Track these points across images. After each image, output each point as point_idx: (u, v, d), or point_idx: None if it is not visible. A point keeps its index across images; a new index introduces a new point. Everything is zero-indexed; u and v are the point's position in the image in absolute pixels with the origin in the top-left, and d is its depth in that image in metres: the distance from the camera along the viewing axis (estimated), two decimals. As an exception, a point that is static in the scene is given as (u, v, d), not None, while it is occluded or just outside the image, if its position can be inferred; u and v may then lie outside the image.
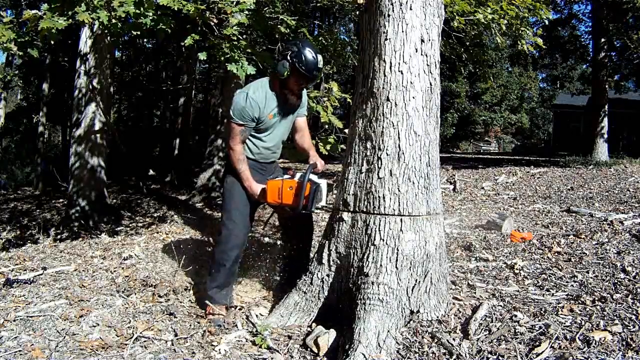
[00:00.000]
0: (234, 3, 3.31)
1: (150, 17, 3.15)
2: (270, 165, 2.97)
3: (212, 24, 3.55)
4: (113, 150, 10.26)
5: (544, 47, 6.19)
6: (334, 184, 2.90)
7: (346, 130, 4.03)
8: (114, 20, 3.06)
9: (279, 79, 2.68)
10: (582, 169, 9.79)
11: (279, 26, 4.56)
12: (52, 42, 3.20)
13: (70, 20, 3.06)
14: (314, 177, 2.72)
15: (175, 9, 3.14)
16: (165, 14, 3.23)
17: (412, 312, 2.40)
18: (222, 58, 3.62)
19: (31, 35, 3.23)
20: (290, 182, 2.67)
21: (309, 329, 2.56)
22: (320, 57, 2.62)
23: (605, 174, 8.42)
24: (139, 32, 3.26)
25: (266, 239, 4.51)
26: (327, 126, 4.18)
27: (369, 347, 2.14)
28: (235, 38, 3.66)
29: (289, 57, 2.59)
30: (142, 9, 3.10)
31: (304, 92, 2.91)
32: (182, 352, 2.37)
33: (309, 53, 2.58)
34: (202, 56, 3.79)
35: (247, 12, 3.36)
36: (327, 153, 4.14)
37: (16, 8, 15.09)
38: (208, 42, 3.72)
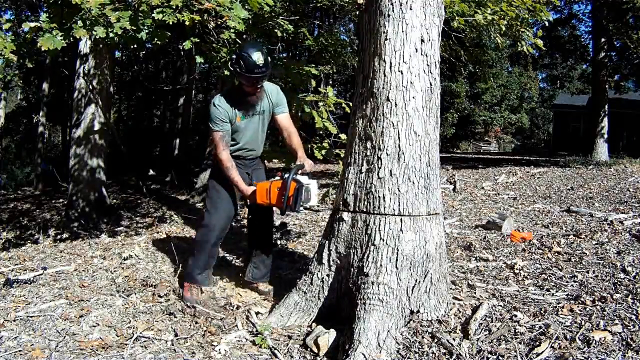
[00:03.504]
0: (232, 11, 3.32)
1: (146, 31, 3.19)
2: (250, 162, 3.11)
3: (211, 27, 3.57)
4: (113, 150, 10.25)
5: (543, 48, 6.19)
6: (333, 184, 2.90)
7: (341, 135, 4.03)
8: (111, 35, 3.09)
9: (236, 86, 2.88)
10: (582, 169, 9.79)
11: (275, 30, 4.58)
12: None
13: (68, 40, 3.12)
14: (302, 178, 2.75)
15: (170, 23, 3.16)
16: (161, 26, 3.25)
17: (412, 312, 2.40)
18: (220, 63, 3.64)
19: (29, 44, 3.28)
20: (277, 183, 2.75)
21: (309, 329, 2.56)
22: (258, 55, 2.66)
23: (605, 174, 8.42)
24: (135, 45, 3.31)
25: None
26: (321, 132, 4.19)
27: (369, 347, 2.14)
28: (232, 42, 3.67)
29: (230, 66, 2.76)
30: (138, 24, 3.14)
31: (276, 91, 3.01)
32: (182, 352, 2.37)
33: (246, 55, 2.66)
34: (200, 59, 3.80)
35: (240, 20, 3.36)
36: (321, 158, 4.15)
37: (17, 9, 15.08)
38: (205, 46, 3.74)
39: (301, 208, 2.70)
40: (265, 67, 2.71)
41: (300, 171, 2.79)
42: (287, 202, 2.67)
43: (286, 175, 2.72)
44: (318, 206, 2.85)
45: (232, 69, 2.75)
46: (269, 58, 2.77)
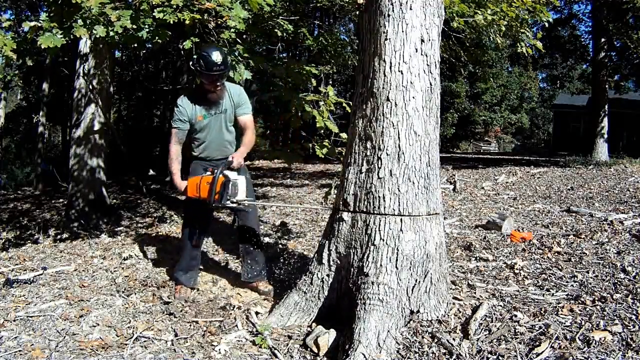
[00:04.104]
0: (232, 11, 3.32)
1: (147, 30, 3.20)
2: (221, 162, 3.11)
3: (211, 27, 3.57)
4: (113, 150, 10.23)
5: (542, 50, 6.19)
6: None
7: (342, 134, 4.03)
8: (111, 34, 3.11)
9: (198, 85, 3.04)
10: (582, 169, 9.79)
11: (275, 30, 4.58)
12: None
13: (68, 38, 3.14)
14: (231, 174, 2.88)
15: (171, 22, 3.18)
16: (162, 25, 3.26)
17: (412, 312, 2.40)
18: None
19: (29, 42, 3.29)
20: (208, 178, 2.89)
21: (309, 329, 2.56)
22: (217, 54, 2.82)
23: (605, 174, 8.42)
24: (136, 44, 3.33)
25: (266, 239, 4.51)
26: (322, 131, 4.19)
27: (369, 347, 2.14)
28: (232, 41, 3.67)
29: (192, 66, 2.92)
30: (138, 23, 3.15)
31: (239, 92, 3.11)
32: (182, 352, 2.37)
33: (205, 55, 2.82)
34: None
35: (241, 19, 3.37)
36: (323, 156, 4.15)
37: (17, 9, 15.06)
38: (205, 46, 3.73)
39: (228, 202, 2.84)
40: (223, 66, 2.86)
41: (228, 166, 2.92)
42: (214, 197, 2.80)
43: (216, 171, 2.85)
44: (245, 202, 2.97)
45: (193, 67, 2.90)
46: (228, 59, 2.94)
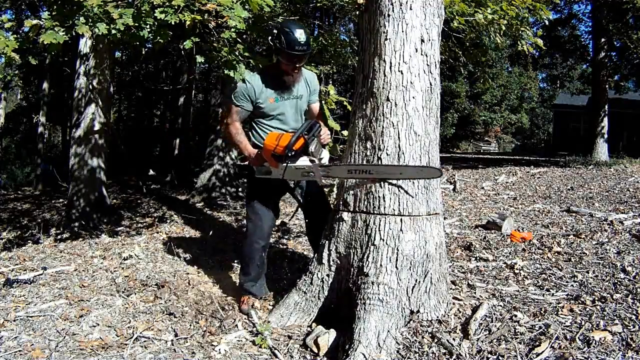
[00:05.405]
0: (232, 11, 3.33)
1: (148, 29, 3.20)
2: None
3: (211, 26, 3.57)
4: (113, 150, 10.23)
5: (543, 48, 6.19)
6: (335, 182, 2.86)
7: (344, 132, 4.03)
8: (113, 31, 3.11)
9: (273, 64, 2.79)
10: (582, 169, 9.79)
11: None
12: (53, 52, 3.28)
13: (69, 35, 3.14)
14: (304, 160, 2.59)
15: (172, 23, 3.17)
16: (163, 25, 3.26)
17: (412, 312, 2.40)
18: (221, 62, 3.64)
19: (31, 42, 3.29)
20: (288, 135, 2.61)
21: (309, 329, 2.56)
22: (300, 32, 2.56)
23: (605, 174, 8.43)
24: (137, 43, 3.32)
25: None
26: None
27: (369, 347, 2.14)
28: (232, 41, 3.67)
29: (271, 41, 2.65)
30: (140, 21, 3.15)
31: (314, 77, 2.93)
32: (182, 352, 2.37)
33: (287, 31, 2.57)
34: (200, 59, 3.81)
35: (241, 19, 3.38)
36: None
37: (17, 9, 15.06)
38: (205, 45, 3.74)
39: (307, 162, 2.56)
40: (306, 46, 2.59)
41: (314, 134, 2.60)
42: (292, 146, 2.49)
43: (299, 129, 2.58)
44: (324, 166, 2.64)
45: (272, 44, 2.63)
46: (310, 38, 2.64)
